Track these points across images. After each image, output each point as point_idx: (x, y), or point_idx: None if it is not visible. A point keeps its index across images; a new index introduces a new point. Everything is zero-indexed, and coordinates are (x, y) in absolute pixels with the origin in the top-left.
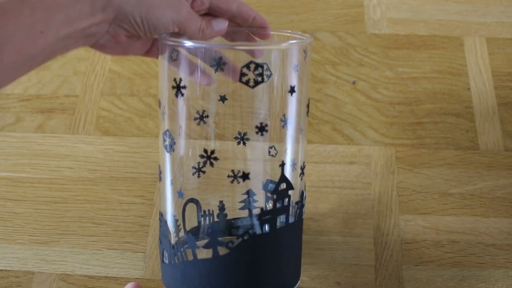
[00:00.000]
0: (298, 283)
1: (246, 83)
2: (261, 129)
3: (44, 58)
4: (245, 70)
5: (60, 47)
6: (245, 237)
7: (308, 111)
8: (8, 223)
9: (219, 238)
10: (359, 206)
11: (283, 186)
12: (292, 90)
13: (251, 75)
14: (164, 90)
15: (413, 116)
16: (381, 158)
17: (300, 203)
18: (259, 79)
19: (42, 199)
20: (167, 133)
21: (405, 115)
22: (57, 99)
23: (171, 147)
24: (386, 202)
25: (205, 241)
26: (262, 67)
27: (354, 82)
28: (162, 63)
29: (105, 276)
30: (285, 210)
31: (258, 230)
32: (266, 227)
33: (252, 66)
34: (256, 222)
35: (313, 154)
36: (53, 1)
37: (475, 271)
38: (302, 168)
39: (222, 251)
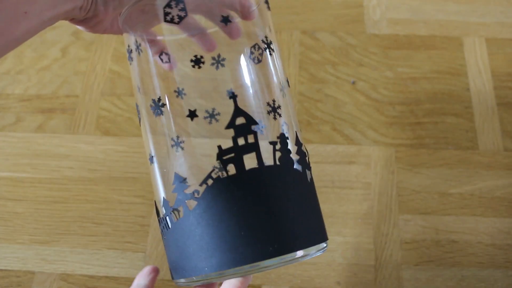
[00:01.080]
0: (301, 253)
1: (171, 20)
2: (225, 20)
3: (26, 38)
4: (167, 9)
5: (43, 27)
6: (209, 183)
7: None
8: (8, 223)
9: (185, 190)
10: (359, 206)
11: (242, 120)
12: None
13: (174, 12)
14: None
15: (412, 116)
16: (381, 158)
17: (280, 146)
18: (183, 14)
19: (43, 199)
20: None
21: (405, 115)
22: (57, 99)
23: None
24: (386, 202)
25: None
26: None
27: (354, 82)
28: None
29: (105, 276)
30: (250, 148)
31: (223, 173)
32: (233, 169)
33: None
34: (216, 162)
35: (313, 154)
36: None
37: (475, 270)
38: (276, 107)
39: (191, 204)
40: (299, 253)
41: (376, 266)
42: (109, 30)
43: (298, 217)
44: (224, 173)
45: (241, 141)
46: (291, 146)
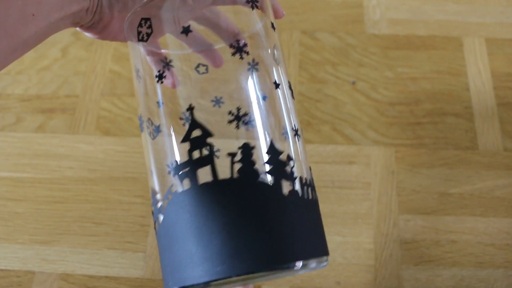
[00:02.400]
0: (255, 272)
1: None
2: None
3: (35, 41)
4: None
5: (51, 30)
6: (169, 198)
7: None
8: (8, 223)
9: (157, 204)
10: (359, 206)
11: (198, 132)
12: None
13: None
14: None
15: (412, 116)
16: (381, 158)
17: (241, 156)
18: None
19: (43, 199)
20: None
21: (405, 115)
22: (57, 99)
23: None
24: (386, 202)
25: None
26: None
27: (353, 83)
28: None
29: (106, 276)
30: (205, 162)
31: (179, 188)
32: (187, 184)
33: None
34: (175, 177)
35: (313, 154)
36: None
37: (474, 270)
38: (241, 115)
39: (160, 219)
40: (245, 272)
41: (376, 266)
42: (119, 37)
43: (258, 233)
44: (180, 188)
45: (197, 154)
46: (260, 155)
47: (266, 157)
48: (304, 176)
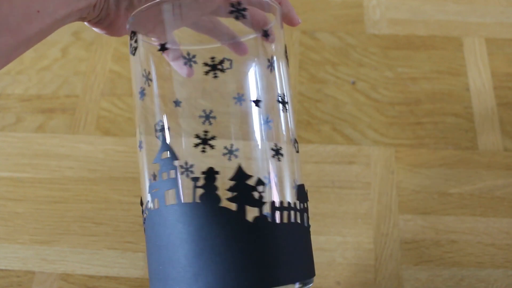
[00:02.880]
0: None
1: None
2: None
3: (39, 38)
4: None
5: (56, 26)
6: (147, 212)
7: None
8: (8, 223)
9: (143, 215)
10: (359, 206)
11: (166, 155)
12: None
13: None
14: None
15: (412, 116)
16: (381, 158)
17: (204, 181)
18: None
19: (43, 199)
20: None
21: (405, 115)
22: (57, 99)
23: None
24: (386, 202)
25: None
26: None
27: (353, 83)
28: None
29: (106, 276)
30: (171, 184)
31: (151, 206)
32: (156, 203)
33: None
34: (148, 195)
35: (313, 154)
36: None
37: (474, 270)
38: (205, 140)
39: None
40: None
41: (376, 266)
42: (126, 33)
43: (217, 258)
44: (152, 206)
45: (165, 176)
46: (225, 181)
47: (230, 183)
48: (282, 199)
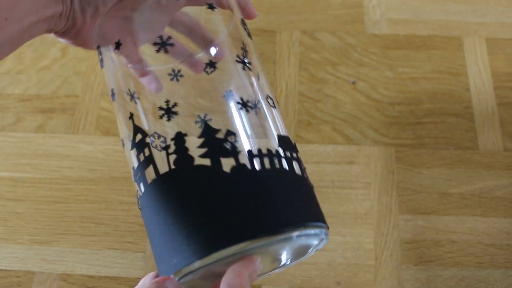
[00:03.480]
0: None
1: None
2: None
3: (10, 47)
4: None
5: (26, 36)
6: (139, 202)
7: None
8: (8, 223)
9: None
10: (359, 206)
11: (140, 136)
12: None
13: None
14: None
15: (412, 116)
16: (381, 158)
17: (174, 147)
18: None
19: (43, 199)
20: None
21: (405, 115)
22: (57, 99)
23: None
24: (386, 202)
25: None
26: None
27: (354, 82)
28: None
29: (105, 276)
30: (147, 162)
31: (140, 193)
32: (142, 187)
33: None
34: (135, 184)
35: (313, 154)
36: None
37: (475, 271)
38: (168, 109)
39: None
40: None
41: (376, 266)
42: (92, 45)
43: (207, 214)
44: (140, 192)
45: (142, 157)
46: (194, 141)
47: (199, 141)
48: (260, 148)
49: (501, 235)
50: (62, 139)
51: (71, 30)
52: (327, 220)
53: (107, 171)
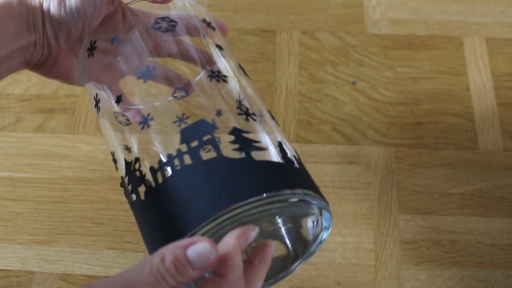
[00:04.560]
0: None
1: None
2: None
3: None
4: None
5: (2, 68)
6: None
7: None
8: (8, 223)
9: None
10: (359, 206)
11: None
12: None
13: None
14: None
15: (412, 116)
16: (381, 158)
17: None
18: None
19: (43, 199)
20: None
21: (405, 115)
22: (57, 99)
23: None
24: (386, 202)
25: None
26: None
27: (354, 82)
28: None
29: (106, 276)
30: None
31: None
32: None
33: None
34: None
35: (313, 154)
36: None
37: (475, 271)
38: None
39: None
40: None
41: (376, 266)
42: (70, 75)
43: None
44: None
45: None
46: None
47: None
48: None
49: (501, 235)
50: (62, 139)
51: (48, 60)
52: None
53: (107, 171)
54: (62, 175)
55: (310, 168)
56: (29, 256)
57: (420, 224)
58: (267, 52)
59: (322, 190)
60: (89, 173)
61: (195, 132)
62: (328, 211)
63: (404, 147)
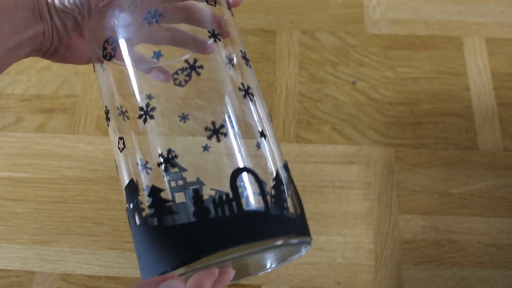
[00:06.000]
0: None
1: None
2: None
3: None
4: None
5: (12, 57)
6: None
7: None
8: (8, 223)
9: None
10: (359, 206)
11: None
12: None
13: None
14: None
15: (412, 116)
16: (381, 158)
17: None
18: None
19: (43, 199)
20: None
21: (405, 115)
22: (57, 99)
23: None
24: (386, 202)
25: None
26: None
27: (354, 82)
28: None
29: (105, 276)
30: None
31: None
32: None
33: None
34: None
35: (313, 154)
36: None
37: (475, 270)
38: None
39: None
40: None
41: (376, 266)
42: (85, 56)
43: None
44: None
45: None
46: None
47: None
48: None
49: (501, 235)
50: (62, 139)
51: (60, 48)
52: (327, 220)
53: (107, 171)
54: (62, 175)
55: (310, 168)
56: (29, 256)
57: (420, 224)
58: (267, 52)
59: (322, 190)
60: (89, 173)
61: (132, 191)
62: (290, 243)
63: (404, 147)
